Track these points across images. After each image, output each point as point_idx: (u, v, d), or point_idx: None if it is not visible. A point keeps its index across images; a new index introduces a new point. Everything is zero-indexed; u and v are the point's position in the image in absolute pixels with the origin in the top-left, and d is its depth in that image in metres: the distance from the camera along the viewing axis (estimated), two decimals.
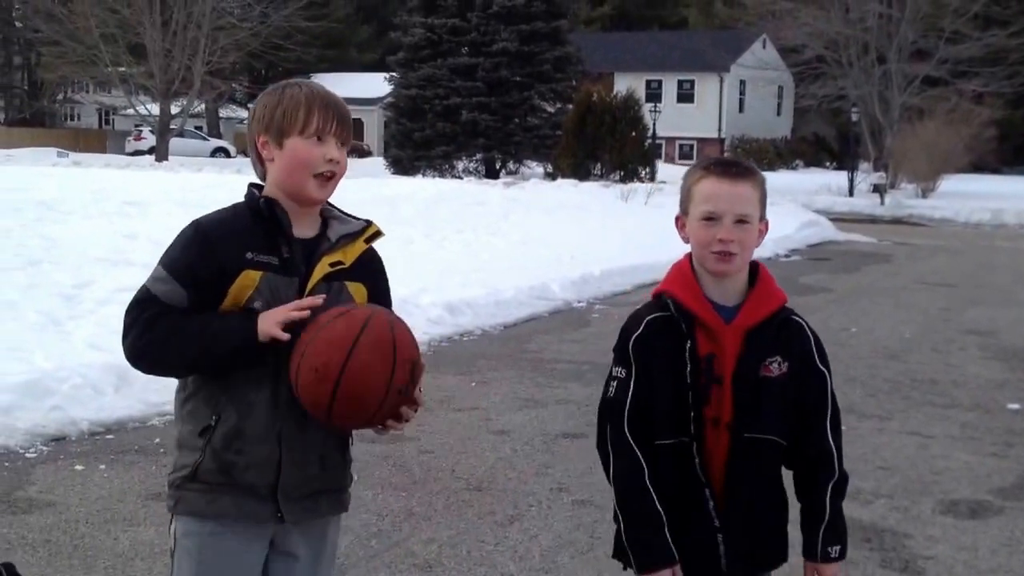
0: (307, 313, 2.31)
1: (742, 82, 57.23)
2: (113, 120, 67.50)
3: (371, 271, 2.54)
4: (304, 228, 2.46)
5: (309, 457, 2.42)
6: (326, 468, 2.45)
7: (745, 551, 2.49)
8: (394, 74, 42.06)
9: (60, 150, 44.57)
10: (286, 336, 2.29)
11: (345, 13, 61.25)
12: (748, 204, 2.47)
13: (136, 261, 9.71)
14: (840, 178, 38.39)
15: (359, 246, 2.49)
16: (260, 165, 2.47)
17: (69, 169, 27.62)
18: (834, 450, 2.53)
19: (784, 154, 55.82)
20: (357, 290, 2.47)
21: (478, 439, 6.30)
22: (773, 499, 2.54)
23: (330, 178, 2.43)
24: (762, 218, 2.52)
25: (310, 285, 2.40)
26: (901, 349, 9.61)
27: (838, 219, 25.89)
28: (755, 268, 2.54)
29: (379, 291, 2.55)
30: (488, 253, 14.36)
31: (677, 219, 2.56)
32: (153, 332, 2.33)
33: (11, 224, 11.04)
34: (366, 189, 19.96)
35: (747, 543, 2.49)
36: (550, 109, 39.91)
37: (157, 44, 43.13)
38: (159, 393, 6.31)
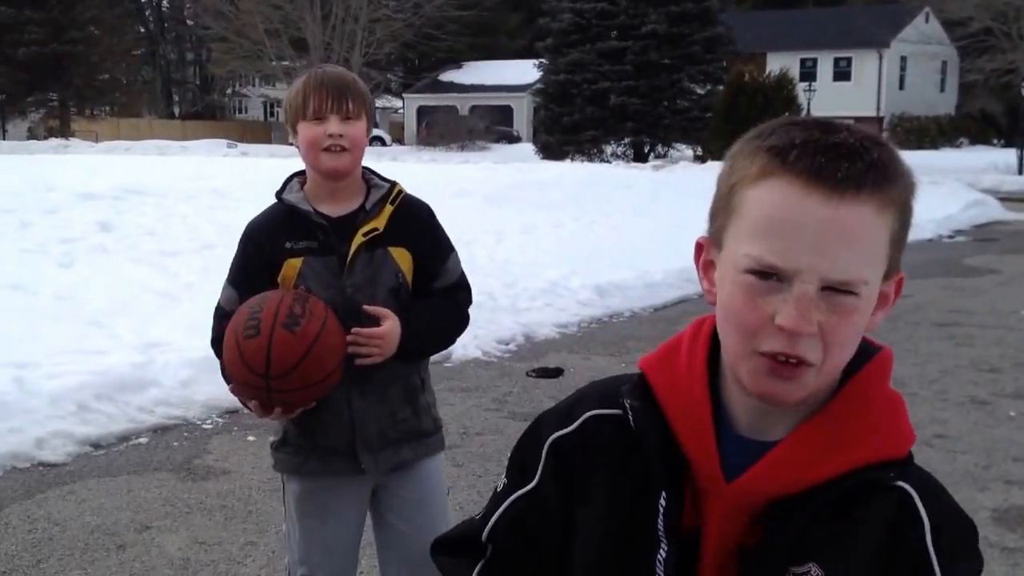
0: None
1: (903, 58, 55.32)
2: (277, 112, 69.61)
3: (413, 232, 2.63)
4: (342, 204, 2.62)
5: (379, 414, 2.61)
6: (397, 421, 2.63)
7: None
8: (543, 60, 42.15)
9: (229, 141, 46.32)
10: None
11: (495, 1, 61.69)
12: (862, 251, 1.14)
13: None
14: (1008, 156, 36.82)
15: (387, 210, 2.60)
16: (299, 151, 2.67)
17: (238, 159, 28.71)
18: None
19: (948, 132, 53.80)
20: (400, 255, 2.61)
21: None
22: None
23: (342, 150, 2.55)
24: (890, 273, 1.21)
25: (349, 259, 2.56)
26: None
27: (1006, 198, 24.85)
28: (854, 361, 1.21)
29: (424, 251, 2.64)
30: (637, 236, 14.37)
31: (698, 247, 1.31)
32: (216, 341, 2.61)
33: (187, 210, 11.60)
34: (516, 174, 20.18)
35: None
36: (700, 91, 39.36)
37: (317, 38, 44.32)
38: None
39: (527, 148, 42.50)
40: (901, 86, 56.41)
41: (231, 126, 64.34)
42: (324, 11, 44.58)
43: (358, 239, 2.55)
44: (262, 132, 63.17)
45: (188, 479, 5.24)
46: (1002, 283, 12.28)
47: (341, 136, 2.53)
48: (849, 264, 1.12)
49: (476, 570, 1.41)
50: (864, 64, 55.76)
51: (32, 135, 50.17)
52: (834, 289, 1.12)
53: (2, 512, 4.75)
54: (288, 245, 2.57)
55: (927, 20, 53.17)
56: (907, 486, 1.17)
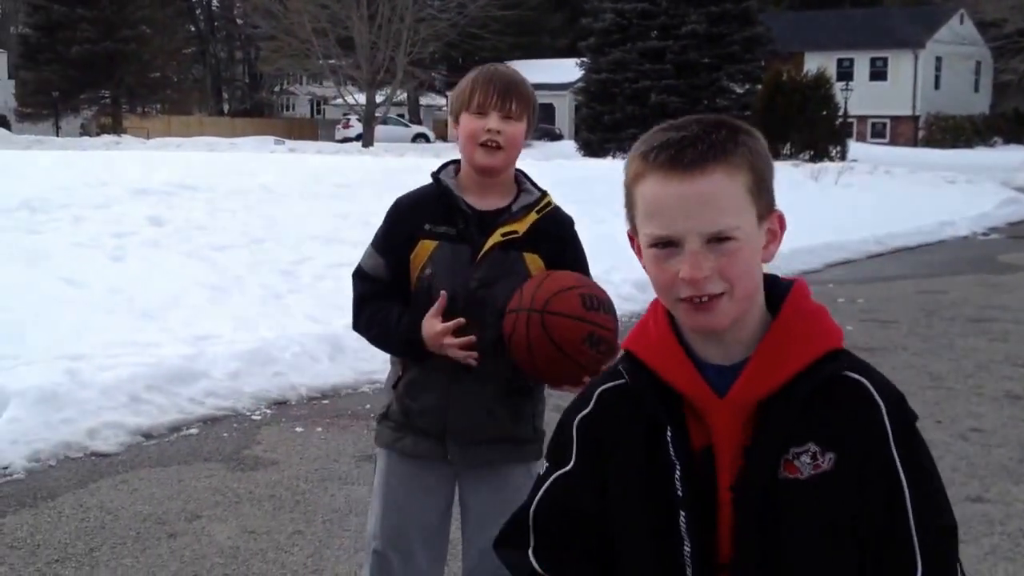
0: (454, 341, 2.48)
1: (938, 58, 54.64)
2: (324, 110, 69.94)
3: (552, 239, 2.60)
4: (490, 199, 2.59)
5: (474, 408, 2.56)
6: (494, 419, 2.58)
7: None
8: (585, 59, 42.01)
9: (277, 138, 46.53)
10: (469, 360, 2.50)
11: (538, 1, 61.57)
12: (724, 208, 1.44)
13: (347, 239, 10.07)
14: None
15: (531, 216, 2.57)
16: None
17: (286, 156, 28.83)
18: None
19: (982, 131, 53.07)
20: (532, 260, 2.56)
21: None
22: None
23: (497, 148, 2.52)
24: (766, 213, 1.50)
25: (481, 253, 2.52)
26: None
27: None
28: (779, 293, 1.53)
29: (561, 261, 2.59)
30: None
31: (630, 238, 1.58)
32: (360, 317, 2.64)
33: (236, 206, 11.60)
34: (559, 170, 20.07)
35: None
36: (739, 90, 39.07)
37: (364, 37, 44.41)
38: (369, 362, 6.56)
39: (568, 145, 42.36)
40: (936, 86, 55.72)
41: (279, 123, 64.66)
42: (371, 10, 44.68)
43: (495, 237, 2.53)
44: (309, 129, 63.44)
45: (237, 469, 5.20)
46: None
47: (499, 133, 2.51)
48: (716, 219, 1.43)
49: (530, 555, 1.59)
50: (900, 64, 55.13)
51: (85, 132, 50.16)
52: (716, 239, 1.43)
53: (55, 501, 4.73)
54: (427, 227, 2.56)
55: (962, 21, 52.49)
56: (859, 376, 1.48)
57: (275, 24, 46.08)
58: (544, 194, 2.63)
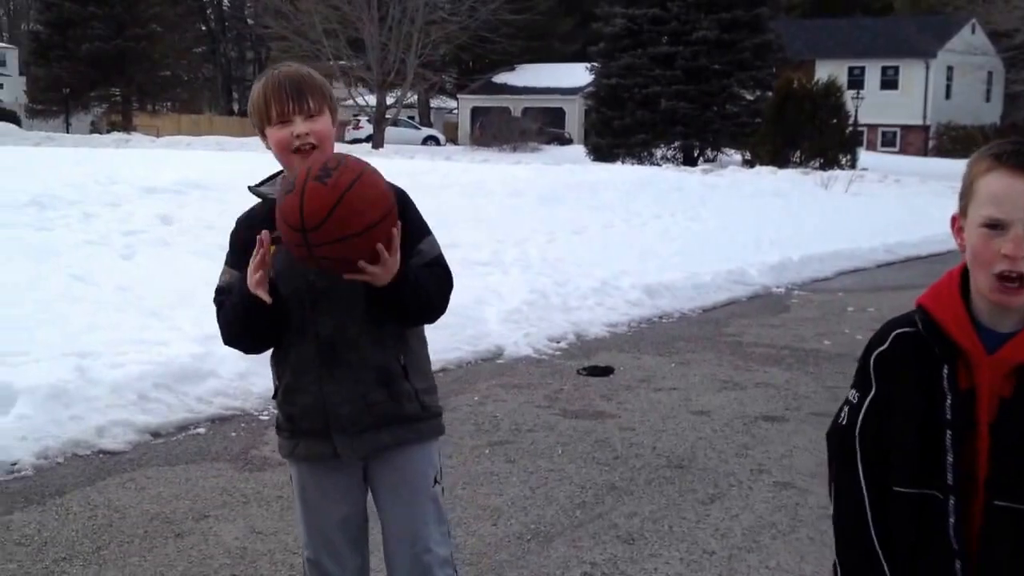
0: (266, 262, 2.42)
1: (949, 68, 54.51)
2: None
3: None
4: None
5: (349, 399, 2.56)
6: (369, 404, 2.56)
7: None
8: (595, 64, 41.99)
9: None
10: (265, 297, 2.42)
11: (548, 6, 61.52)
12: None
13: None
14: None
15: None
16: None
17: None
18: None
19: (992, 141, 52.92)
20: None
21: (678, 418, 6.24)
22: None
23: (312, 148, 2.51)
24: None
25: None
26: None
27: None
28: None
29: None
30: (686, 238, 14.20)
31: (953, 219, 1.98)
32: (220, 315, 2.62)
33: (247, 205, 11.52)
34: (568, 175, 20.06)
35: None
36: (749, 97, 39.04)
37: (374, 39, 44.42)
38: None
39: (578, 150, 42.31)
40: (947, 95, 55.59)
41: None
42: (381, 12, 44.69)
43: None
44: None
45: (245, 469, 5.17)
46: None
47: (308, 135, 2.51)
48: None
49: (860, 470, 2.01)
50: (911, 73, 55.01)
51: (95, 129, 50.26)
52: None
53: (63, 498, 4.70)
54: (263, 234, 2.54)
55: (973, 31, 52.34)
56: None
57: (286, 24, 46.09)
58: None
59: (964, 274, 1.95)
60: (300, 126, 2.50)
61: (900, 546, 1.97)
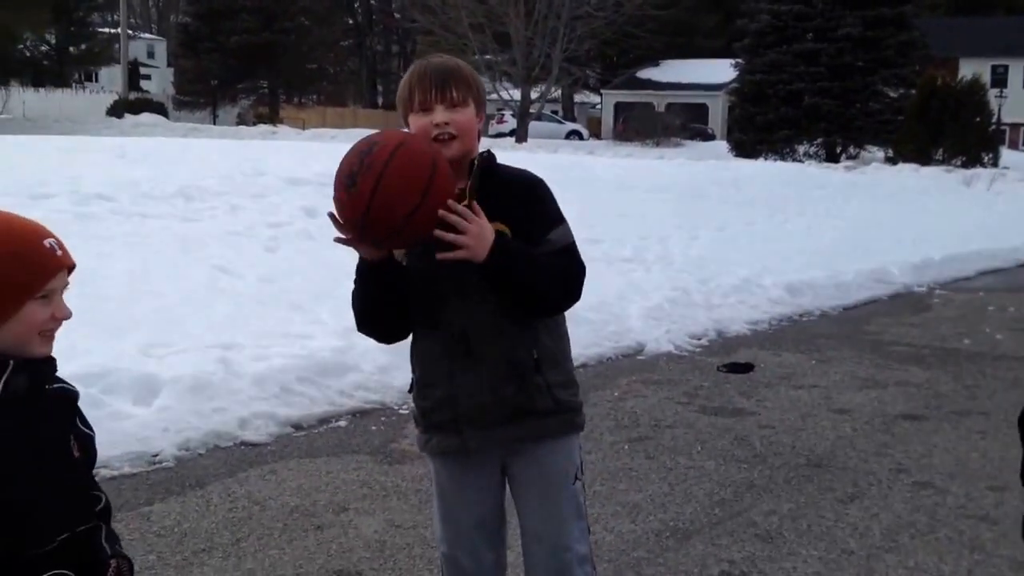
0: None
1: None
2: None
3: (511, 206, 2.45)
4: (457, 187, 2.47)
5: (478, 391, 2.48)
6: (501, 398, 2.47)
7: None
8: (739, 60, 41.30)
9: None
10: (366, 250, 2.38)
11: (693, 1, 60.74)
12: None
13: None
14: None
15: (469, 187, 2.44)
16: None
17: None
18: None
19: None
20: (497, 227, 2.41)
21: (818, 416, 6.16)
22: None
23: (451, 139, 2.43)
24: None
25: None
26: None
27: None
28: None
29: (523, 224, 2.44)
30: (828, 235, 13.91)
31: None
32: (352, 301, 2.53)
33: None
34: (711, 171, 19.85)
35: None
36: (892, 94, 37.87)
37: (520, 33, 44.59)
38: None
39: (721, 146, 41.73)
40: None
41: None
42: (528, 7, 44.75)
43: None
44: None
45: (385, 462, 5.11)
46: None
47: (447, 124, 2.43)
48: None
49: None
50: None
51: (241, 121, 50.20)
52: None
53: (204, 489, 4.62)
54: None
55: None
56: None
57: (432, 19, 46.51)
58: (472, 160, 2.48)
59: None
60: (440, 115, 2.42)
61: None
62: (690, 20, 59.39)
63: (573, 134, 54.82)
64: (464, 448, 2.53)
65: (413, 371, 2.60)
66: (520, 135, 44.41)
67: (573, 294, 2.47)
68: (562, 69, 46.69)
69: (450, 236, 2.29)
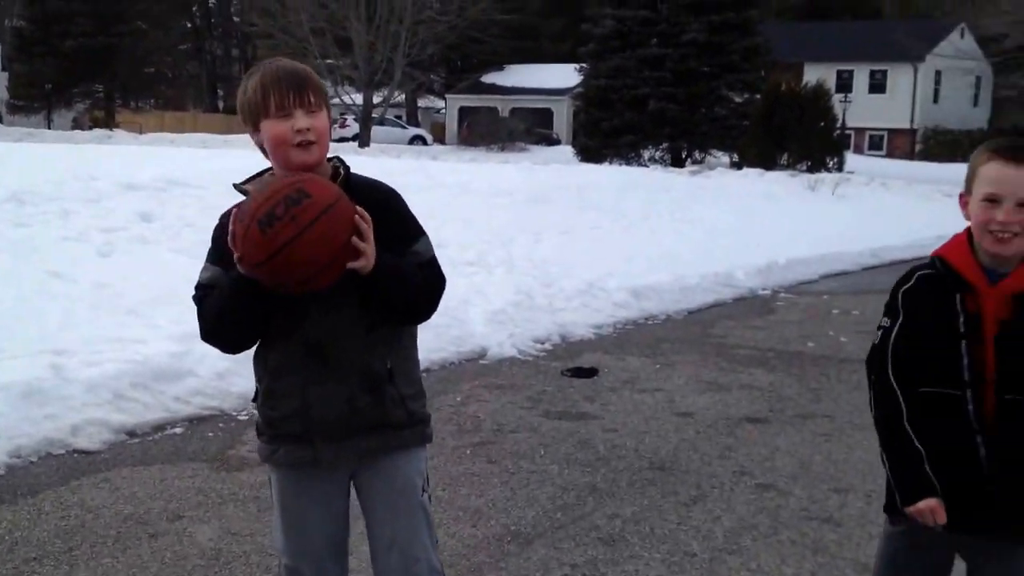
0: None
1: (938, 72, 54.75)
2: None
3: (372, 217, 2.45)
4: None
5: (334, 403, 2.51)
6: (357, 410, 2.51)
7: (1016, 512, 2.51)
8: (584, 65, 42.02)
9: None
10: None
11: (538, 6, 61.51)
12: None
13: None
14: None
15: None
16: (261, 150, 2.56)
17: None
18: None
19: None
20: None
21: (661, 420, 6.24)
22: None
23: (310, 144, 2.46)
24: None
25: None
26: None
27: None
28: None
29: (386, 235, 2.46)
30: (673, 240, 14.21)
31: (960, 196, 2.60)
32: (202, 309, 2.55)
33: (228, 203, 11.21)
34: (555, 176, 20.05)
35: (1018, 505, 2.50)
36: (737, 99, 39.06)
37: (362, 37, 44.38)
38: None
39: (566, 151, 42.31)
40: (935, 100, 55.82)
41: None
42: (369, 11, 44.65)
43: None
44: None
45: (222, 470, 5.13)
46: None
47: (308, 130, 2.45)
48: None
49: (890, 374, 2.58)
50: (899, 77, 55.23)
51: (77, 125, 49.77)
52: (1021, 204, 2.46)
53: (36, 498, 4.67)
54: None
55: (962, 36, 52.58)
56: None
57: (272, 23, 45.99)
58: (335, 167, 2.54)
59: (969, 237, 2.56)
60: (302, 120, 2.45)
61: (932, 435, 2.52)
62: (535, 25, 60.17)
63: (417, 139, 54.78)
64: (315, 460, 2.56)
65: (259, 380, 2.61)
66: (363, 140, 44.15)
67: (434, 306, 2.58)
68: (405, 74, 46.64)
69: (363, 246, 2.34)
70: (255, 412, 2.66)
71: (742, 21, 38.29)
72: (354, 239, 2.33)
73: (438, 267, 2.59)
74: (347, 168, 2.57)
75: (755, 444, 5.77)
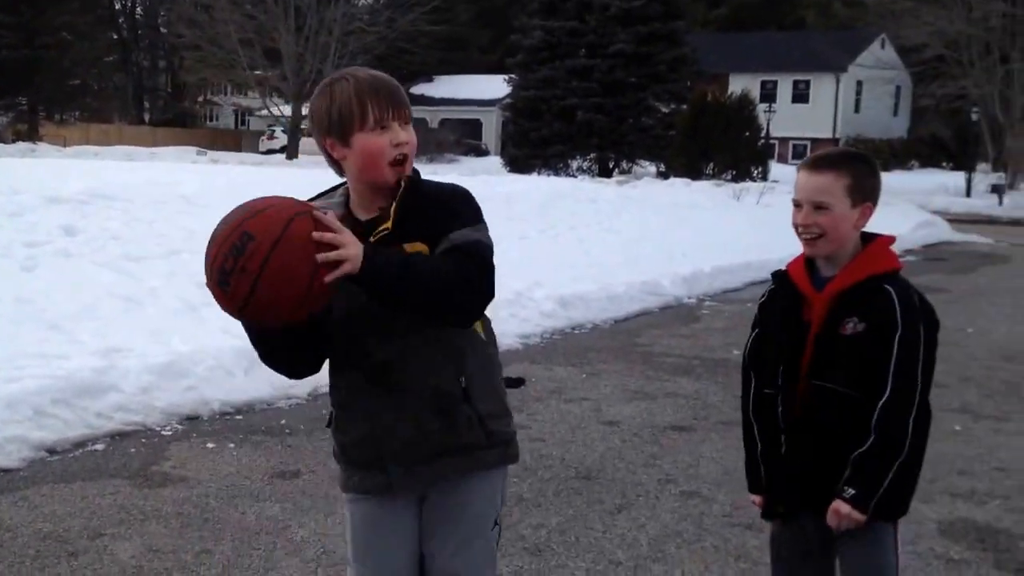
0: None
1: (859, 82, 55.90)
2: (248, 121, 69.15)
3: (428, 219, 2.33)
4: (374, 207, 2.38)
5: (403, 427, 2.38)
6: (427, 433, 2.38)
7: (797, 492, 2.78)
8: (513, 76, 42.20)
9: (199, 149, 45.88)
10: None
11: (467, 17, 61.65)
12: (825, 192, 2.66)
13: None
14: (957, 179, 37.26)
15: (394, 208, 2.33)
16: (334, 164, 2.41)
17: (207, 166, 28.44)
18: (891, 409, 2.61)
19: (900, 155, 54.34)
20: (413, 248, 2.30)
21: (588, 429, 6.28)
22: (838, 452, 2.68)
23: (403, 160, 2.33)
24: (859, 202, 2.68)
25: None
26: (1019, 351, 9.27)
27: (955, 220, 25.13)
28: (871, 241, 2.74)
29: (436, 230, 2.32)
30: (601, 249, 14.31)
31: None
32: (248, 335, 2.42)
33: (154, 216, 11.32)
34: (483, 186, 20.04)
35: (799, 486, 2.77)
36: (664, 109, 39.56)
37: (291, 48, 44.16)
38: (285, 378, 6.45)
39: (495, 161, 42.49)
40: (856, 109, 56.98)
41: (202, 134, 63.71)
42: (298, 22, 44.42)
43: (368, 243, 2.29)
44: (232, 140, 62.62)
45: (144, 486, 5.06)
46: (949, 301, 12.24)
47: (407, 144, 2.33)
48: (820, 197, 2.67)
49: (752, 387, 2.88)
50: (822, 87, 56.29)
51: None
52: (818, 207, 2.67)
53: None
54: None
55: (883, 46, 53.75)
56: (890, 287, 2.65)
57: (200, 33, 45.58)
58: (399, 183, 2.34)
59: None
60: (403, 134, 2.31)
61: (765, 427, 2.84)
62: (464, 35, 60.31)
63: None
64: (389, 486, 2.44)
65: (333, 405, 2.51)
66: (291, 151, 43.84)
67: (474, 293, 2.28)
68: None
69: (332, 255, 2.12)
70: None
71: (669, 32, 38.82)
72: (319, 255, 2.12)
73: (476, 252, 2.31)
74: (415, 178, 2.38)
75: (680, 452, 5.84)
